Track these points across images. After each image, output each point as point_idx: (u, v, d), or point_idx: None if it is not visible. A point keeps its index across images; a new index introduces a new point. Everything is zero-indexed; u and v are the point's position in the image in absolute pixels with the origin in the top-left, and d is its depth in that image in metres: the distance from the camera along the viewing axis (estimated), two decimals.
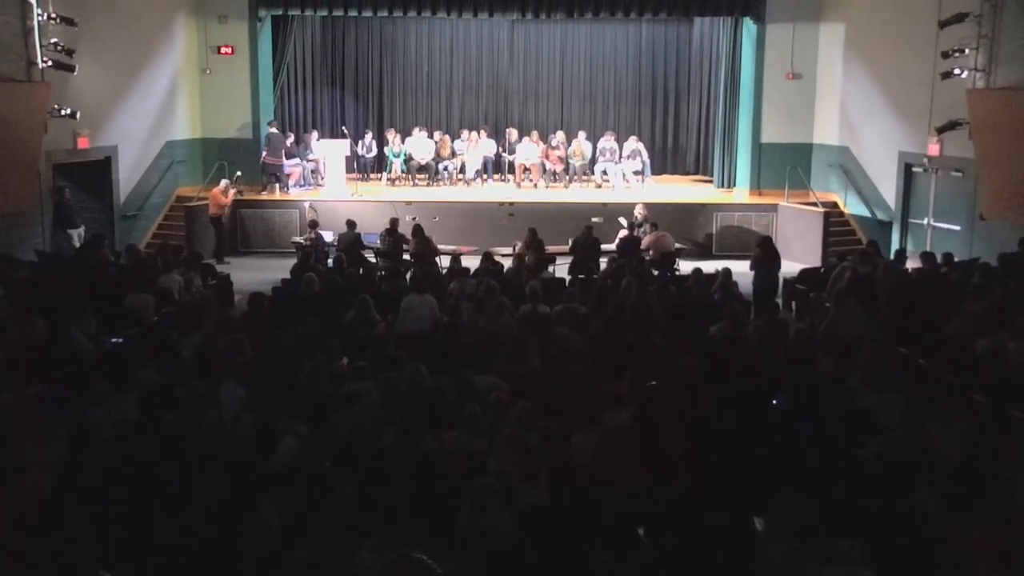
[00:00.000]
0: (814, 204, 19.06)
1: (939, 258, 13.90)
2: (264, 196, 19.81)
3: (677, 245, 16.70)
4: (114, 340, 10.95)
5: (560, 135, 21.98)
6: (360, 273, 13.97)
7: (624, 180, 20.79)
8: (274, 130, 19.78)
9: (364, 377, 8.15)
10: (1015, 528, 5.84)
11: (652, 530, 5.87)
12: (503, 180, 21.86)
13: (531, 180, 21.24)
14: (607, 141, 21.55)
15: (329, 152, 20.81)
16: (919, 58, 16.76)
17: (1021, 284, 11.86)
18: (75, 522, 5.84)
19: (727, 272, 12.88)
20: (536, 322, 10.48)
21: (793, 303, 14.40)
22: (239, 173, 19.10)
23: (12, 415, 9.01)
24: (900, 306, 11.74)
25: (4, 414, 8.91)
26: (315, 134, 21.50)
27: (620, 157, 21.35)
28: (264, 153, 19.65)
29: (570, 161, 21.49)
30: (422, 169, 21.33)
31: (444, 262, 14.92)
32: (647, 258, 15.27)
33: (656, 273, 14.02)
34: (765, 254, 14.06)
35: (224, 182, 18.46)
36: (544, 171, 21.30)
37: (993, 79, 15.25)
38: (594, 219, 17.37)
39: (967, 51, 15.43)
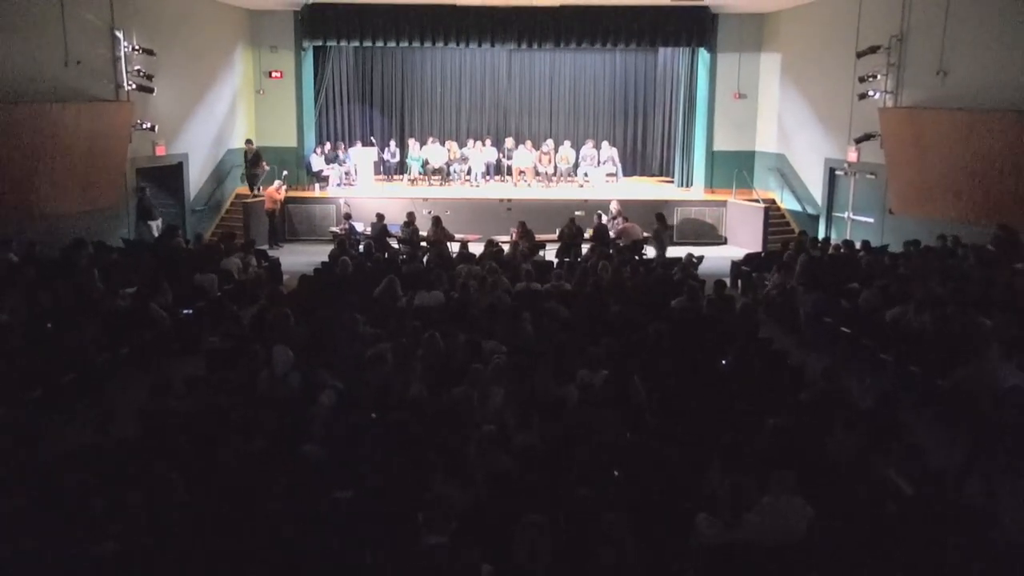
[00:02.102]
0: (756, 200, 19.03)
1: (857, 244, 13.95)
2: (307, 193, 19.76)
3: (644, 234, 16.66)
4: (185, 311, 10.96)
5: (549, 143, 21.84)
6: (386, 257, 13.93)
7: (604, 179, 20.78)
8: (254, 146, 19.16)
9: (385, 342, 8.13)
10: (913, 464, 5.90)
11: (626, 470, 5.88)
12: (503, 181, 21.76)
13: (526, 181, 21.15)
14: (588, 148, 21.53)
15: (360, 157, 20.79)
16: (841, 82, 16.73)
17: (923, 267, 11.90)
18: (157, 457, 5.85)
19: (689, 256, 12.89)
20: (529, 297, 10.48)
21: (739, 281, 14.42)
22: (286, 172, 19.02)
23: (106, 372, 9.06)
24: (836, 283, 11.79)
25: (100, 371, 8.95)
26: (358, 143, 21.49)
27: (598, 161, 21.29)
28: (263, 165, 19.07)
29: (558, 165, 21.39)
30: (436, 171, 21.23)
31: (454, 247, 14.91)
32: (620, 244, 15.25)
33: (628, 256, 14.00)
34: (660, 225, 15.30)
35: (277, 182, 18.43)
36: (537, 173, 21.22)
37: (899, 100, 15.29)
38: (577, 212, 17.31)
39: (879, 77, 15.45)
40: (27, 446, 6.40)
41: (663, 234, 15.07)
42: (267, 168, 19.07)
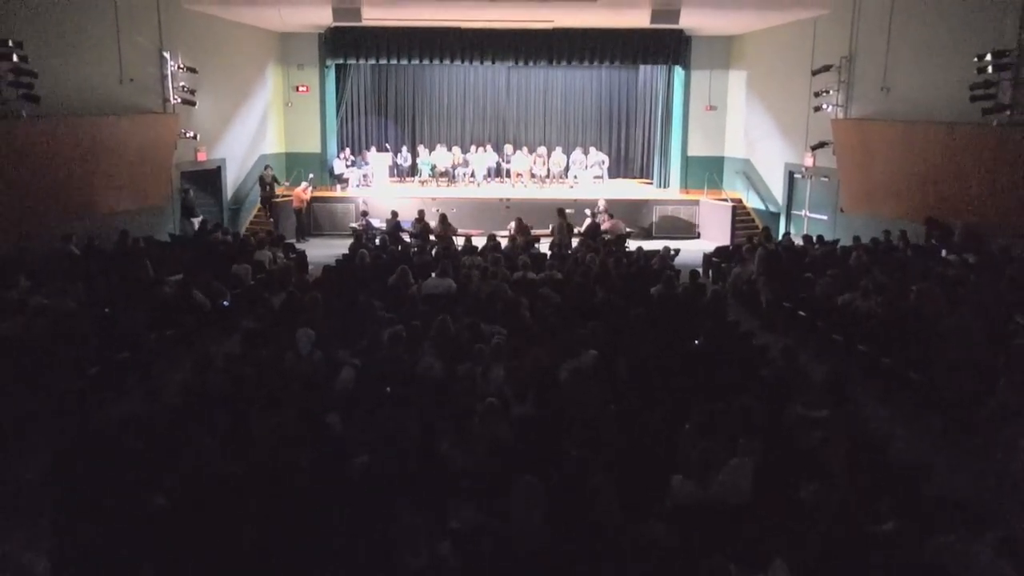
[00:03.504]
0: (725, 200, 19.00)
1: (813, 239, 13.94)
2: (330, 193, 19.71)
3: (627, 229, 16.64)
4: (224, 303, 10.90)
5: (543, 149, 21.81)
6: (399, 250, 13.88)
7: (593, 180, 20.72)
8: (271, 171, 18.61)
9: (398, 324, 8.06)
10: (860, 431, 5.90)
11: (611, 438, 5.86)
12: (502, 182, 21.64)
13: (523, 182, 21.08)
14: (577, 153, 21.45)
15: (376, 162, 20.73)
16: (798, 96, 16.68)
17: (870, 258, 11.90)
18: (199, 424, 5.85)
19: (667, 249, 12.86)
20: (526, 285, 10.44)
21: (710, 271, 14.42)
22: (312, 175, 18.98)
23: (155, 350, 9.05)
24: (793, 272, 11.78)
25: (149, 349, 8.94)
26: (373, 149, 21.39)
27: (586, 165, 21.22)
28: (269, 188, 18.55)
29: (550, 168, 21.33)
30: (443, 174, 21.17)
31: (459, 241, 14.86)
32: (606, 238, 15.21)
33: (613, 249, 13.96)
34: (561, 219, 15.26)
35: (304, 183, 18.41)
36: (532, 175, 21.15)
37: (849, 112, 15.26)
38: (568, 210, 17.26)
39: (831, 92, 15.41)
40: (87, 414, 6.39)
41: (563, 225, 15.14)
42: (286, 183, 19.17)
